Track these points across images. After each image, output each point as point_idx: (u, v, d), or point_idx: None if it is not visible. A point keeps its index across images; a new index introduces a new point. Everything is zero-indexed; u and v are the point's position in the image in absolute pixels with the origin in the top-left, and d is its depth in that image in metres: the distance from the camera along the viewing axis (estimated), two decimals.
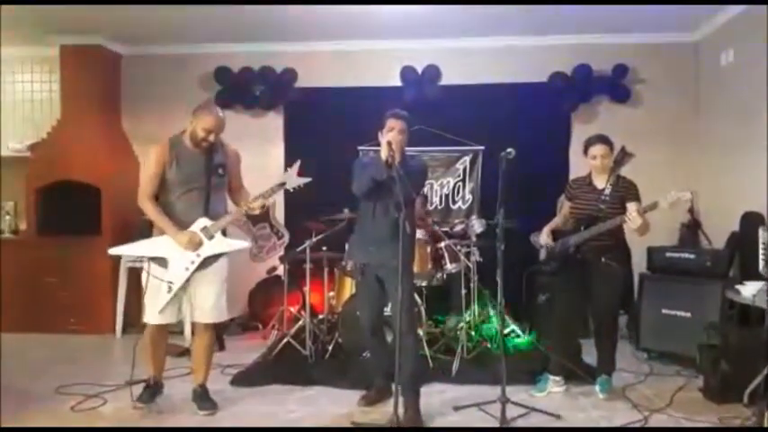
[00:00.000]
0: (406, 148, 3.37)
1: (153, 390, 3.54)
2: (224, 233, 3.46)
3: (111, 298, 5.41)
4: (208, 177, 3.39)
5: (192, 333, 3.75)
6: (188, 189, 3.37)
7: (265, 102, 5.93)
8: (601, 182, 3.76)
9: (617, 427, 3.29)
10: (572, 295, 3.81)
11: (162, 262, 3.35)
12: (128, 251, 3.47)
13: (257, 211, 3.46)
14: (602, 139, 3.75)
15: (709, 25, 5.30)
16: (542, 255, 3.96)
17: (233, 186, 3.60)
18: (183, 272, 3.35)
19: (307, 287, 4.66)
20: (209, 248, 3.38)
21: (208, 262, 3.40)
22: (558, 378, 3.84)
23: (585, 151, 3.79)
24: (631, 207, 3.54)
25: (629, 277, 4.37)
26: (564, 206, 3.99)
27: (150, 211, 3.38)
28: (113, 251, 3.46)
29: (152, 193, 3.38)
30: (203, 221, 3.37)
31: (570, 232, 3.79)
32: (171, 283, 3.34)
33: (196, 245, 3.34)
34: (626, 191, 3.69)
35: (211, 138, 3.36)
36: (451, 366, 4.17)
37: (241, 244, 3.54)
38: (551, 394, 3.79)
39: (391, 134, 3.26)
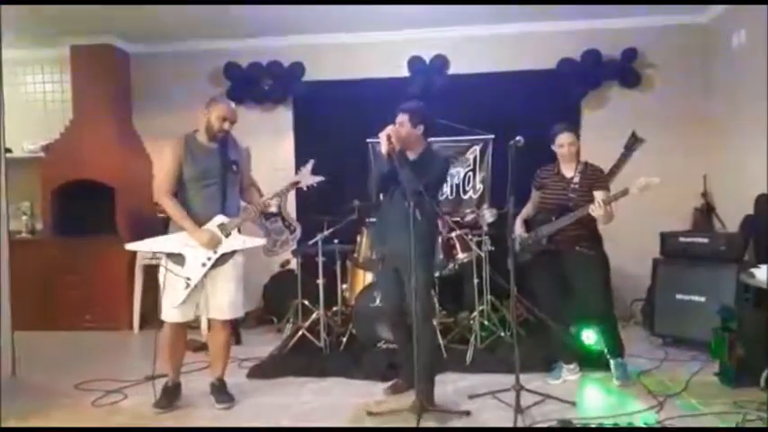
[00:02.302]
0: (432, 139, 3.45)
1: (171, 393, 3.54)
2: (239, 230, 3.48)
3: (128, 295, 5.47)
4: (223, 173, 3.41)
5: (209, 328, 3.77)
6: (205, 185, 3.38)
7: (274, 96, 5.96)
8: (569, 170, 3.77)
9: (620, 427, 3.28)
10: (549, 286, 3.81)
11: (178, 258, 3.37)
12: (144, 247, 3.48)
13: (273, 209, 3.57)
14: (569, 128, 3.79)
15: (720, 6, 5.22)
16: (516, 246, 3.87)
17: (243, 184, 3.61)
18: (199, 268, 3.36)
19: (320, 280, 4.69)
20: (226, 245, 3.39)
21: (224, 259, 3.41)
22: (571, 366, 3.85)
23: (552, 141, 3.79)
24: (598, 196, 3.53)
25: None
26: (533, 195, 3.96)
27: (170, 207, 3.38)
28: (131, 246, 3.49)
29: (170, 189, 3.38)
30: (220, 218, 3.39)
31: (541, 222, 3.78)
32: (188, 279, 3.35)
33: (217, 243, 3.37)
34: (594, 179, 3.69)
35: (226, 126, 3.40)
36: (465, 355, 4.19)
37: (257, 241, 3.56)
38: (566, 382, 3.79)
39: (388, 127, 3.32)
